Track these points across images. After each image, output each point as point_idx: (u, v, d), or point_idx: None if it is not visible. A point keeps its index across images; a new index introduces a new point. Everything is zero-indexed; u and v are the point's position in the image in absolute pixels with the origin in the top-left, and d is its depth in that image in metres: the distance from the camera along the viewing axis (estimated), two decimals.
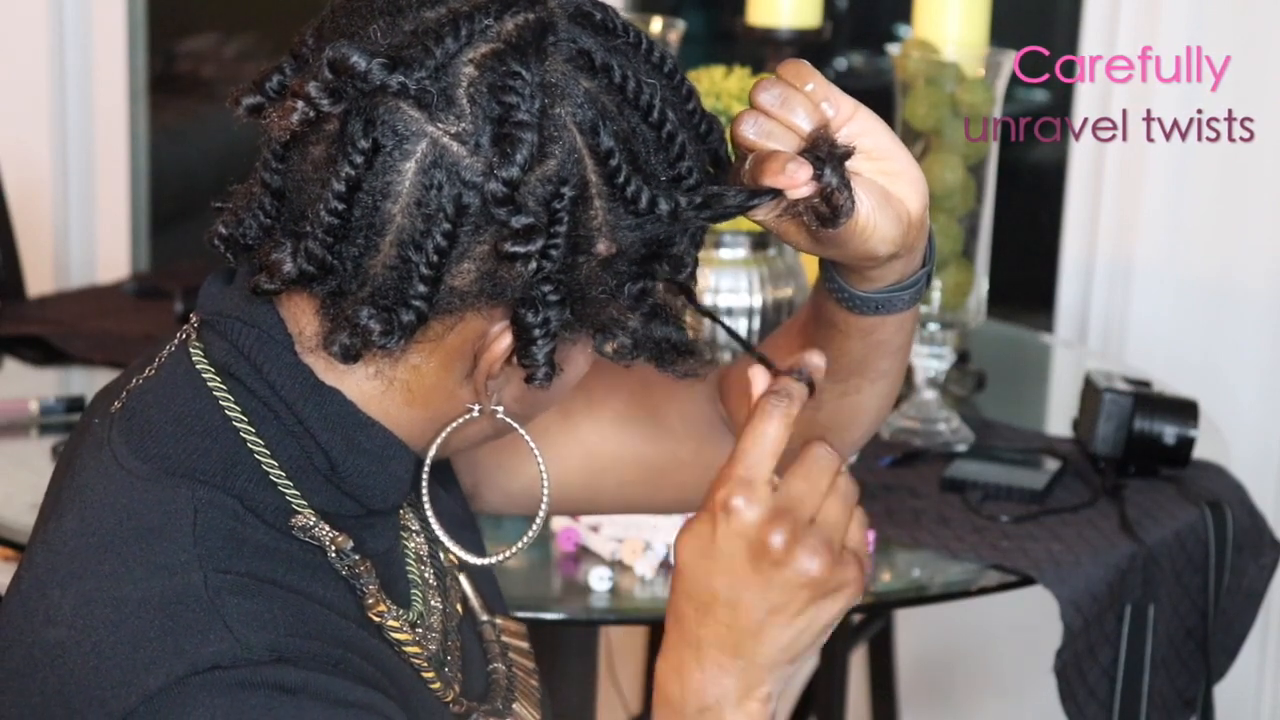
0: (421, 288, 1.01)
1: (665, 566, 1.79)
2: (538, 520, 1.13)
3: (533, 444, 1.13)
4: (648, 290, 1.06)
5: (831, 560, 1.03)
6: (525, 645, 1.25)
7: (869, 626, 2.70)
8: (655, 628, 2.85)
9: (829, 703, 2.55)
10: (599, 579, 1.76)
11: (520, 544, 1.13)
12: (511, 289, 1.03)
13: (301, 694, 0.98)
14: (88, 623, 1.00)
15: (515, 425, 1.10)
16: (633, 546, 1.78)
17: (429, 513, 1.12)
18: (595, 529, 1.81)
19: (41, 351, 2.38)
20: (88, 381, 2.29)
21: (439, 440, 1.10)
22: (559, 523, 1.81)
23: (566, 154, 1.01)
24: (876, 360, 1.22)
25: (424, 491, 1.12)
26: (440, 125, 1.00)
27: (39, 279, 3.06)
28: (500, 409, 1.09)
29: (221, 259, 1.08)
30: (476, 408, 1.08)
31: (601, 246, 1.03)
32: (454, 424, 1.09)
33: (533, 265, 1.01)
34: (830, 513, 1.04)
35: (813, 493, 1.03)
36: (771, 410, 1.04)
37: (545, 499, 1.15)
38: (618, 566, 1.78)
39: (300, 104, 1.00)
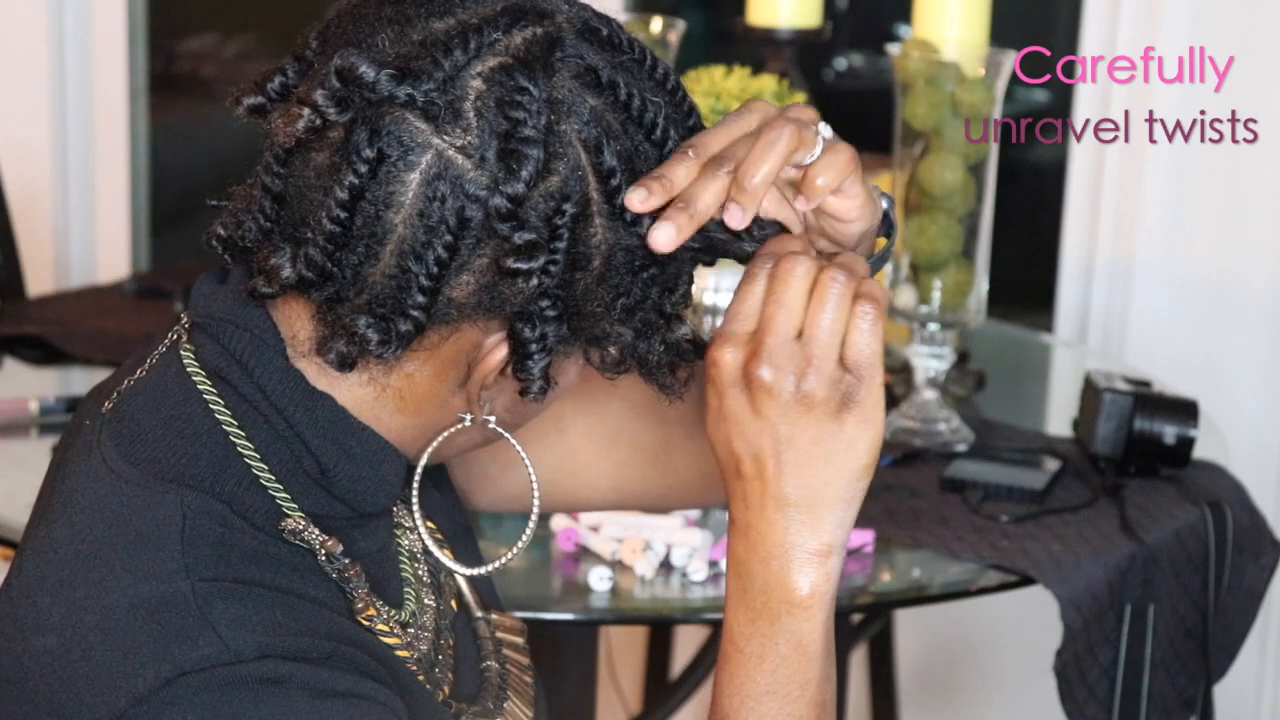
0: (420, 298, 1.01)
1: (665, 566, 1.79)
2: (529, 528, 1.14)
3: (524, 455, 1.13)
4: (641, 305, 1.06)
5: (820, 372, 1.02)
6: (520, 641, 1.25)
7: (869, 626, 2.71)
8: (655, 628, 2.85)
9: None
10: (599, 579, 1.76)
11: (512, 552, 1.14)
12: (510, 303, 1.03)
13: (288, 684, 0.98)
14: (77, 630, 1.00)
15: (507, 435, 1.11)
16: (633, 546, 1.78)
17: (419, 523, 1.12)
18: (595, 529, 1.81)
19: (41, 351, 2.38)
20: (88, 381, 2.28)
21: (430, 448, 1.10)
22: (559, 522, 1.82)
23: (570, 171, 1.01)
24: None
25: (414, 501, 1.12)
26: (446, 138, 1.00)
27: (39, 279, 3.06)
28: (492, 419, 1.09)
29: (219, 259, 1.08)
30: (469, 417, 1.09)
31: (598, 264, 1.03)
32: (446, 433, 1.09)
33: (533, 281, 1.01)
34: (818, 325, 1.02)
35: (788, 311, 1.03)
36: (756, 271, 1.04)
37: (535, 505, 1.15)
38: (618, 566, 1.78)
39: (306, 112, 1.00)
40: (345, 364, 1.04)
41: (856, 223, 1.10)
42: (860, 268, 1.04)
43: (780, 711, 1.05)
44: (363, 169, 1.00)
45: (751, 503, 1.04)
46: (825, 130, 1.08)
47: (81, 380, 2.34)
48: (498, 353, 1.05)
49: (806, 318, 1.03)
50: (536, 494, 1.15)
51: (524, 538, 1.14)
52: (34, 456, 2.03)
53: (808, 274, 1.03)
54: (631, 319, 1.06)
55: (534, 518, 1.14)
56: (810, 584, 1.05)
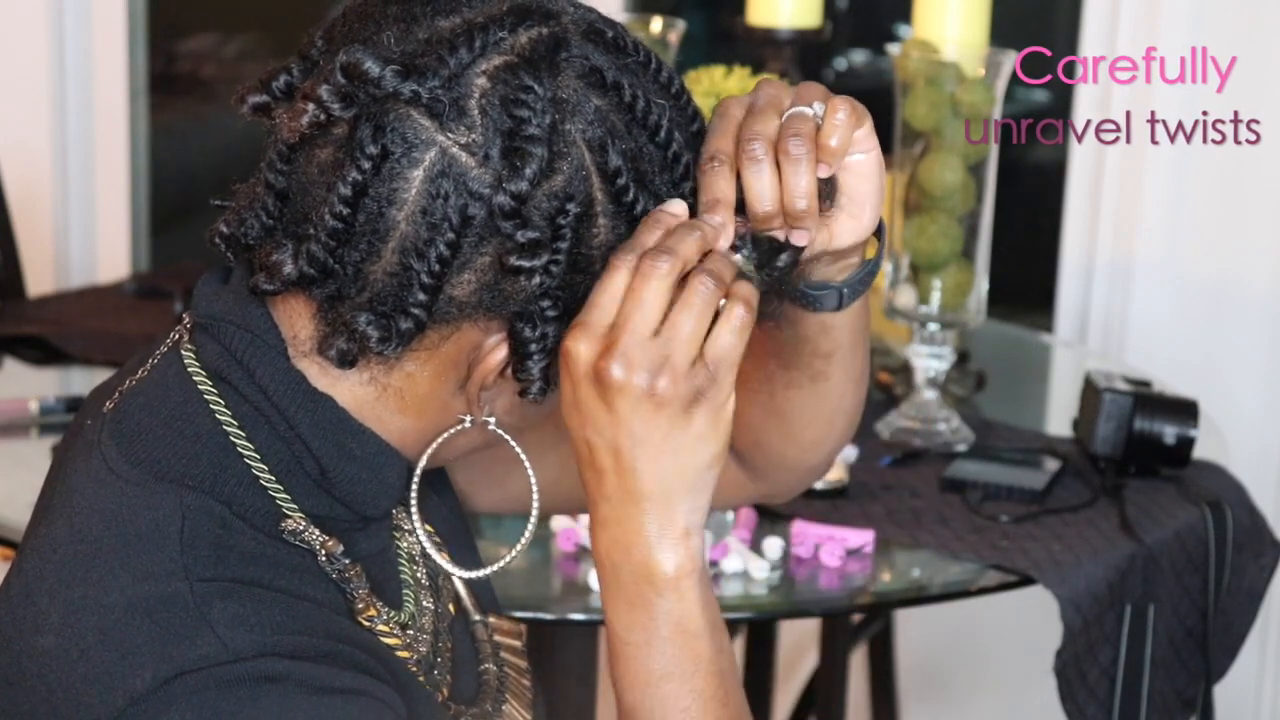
0: (421, 296, 1.01)
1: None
2: (528, 530, 1.14)
3: (524, 457, 1.13)
4: None
5: (674, 371, 1.02)
6: (518, 644, 1.25)
7: (869, 626, 2.70)
8: None
9: (829, 703, 2.55)
10: (599, 579, 1.75)
11: (510, 555, 1.13)
12: (511, 302, 1.03)
13: (286, 681, 0.98)
14: (75, 630, 1.00)
15: (506, 437, 1.11)
16: None
17: (418, 526, 1.12)
18: None
19: (41, 351, 2.38)
20: (88, 381, 2.29)
21: (430, 450, 1.10)
22: (559, 523, 1.81)
23: (574, 170, 1.02)
24: (809, 358, 1.21)
25: (413, 504, 1.11)
26: (450, 135, 1.00)
27: (39, 279, 3.06)
28: (492, 420, 1.09)
29: (221, 258, 1.08)
30: (468, 418, 1.08)
31: (600, 265, 1.04)
32: (446, 434, 1.09)
33: (535, 280, 1.01)
34: (678, 324, 1.02)
35: (646, 309, 1.02)
36: (618, 264, 1.03)
37: (535, 509, 1.14)
38: None
39: (311, 107, 1.01)
40: (345, 361, 1.04)
41: (875, 177, 1.11)
42: (728, 272, 1.05)
43: (680, 690, 1.06)
44: (366, 165, 1.00)
45: (609, 494, 1.05)
46: (818, 107, 1.08)
47: (81, 380, 2.34)
48: (498, 353, 1.05)
49: (668, 317, 1.02)
50: (536, 497, 1.14)
51: (523, 540, 1.13)
52: (34, 456, 2.03)
53: (670, 273, 1.02)
54: None
55: (533, 520, 1.14)
56: (675, 564, 1.05)
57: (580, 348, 1.02)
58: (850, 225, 1.11)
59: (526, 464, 1.14)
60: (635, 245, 1.04)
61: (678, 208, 1.05)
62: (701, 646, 1.06)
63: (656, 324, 1.02)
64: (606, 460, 1.04)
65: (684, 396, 1.02)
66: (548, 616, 1.76)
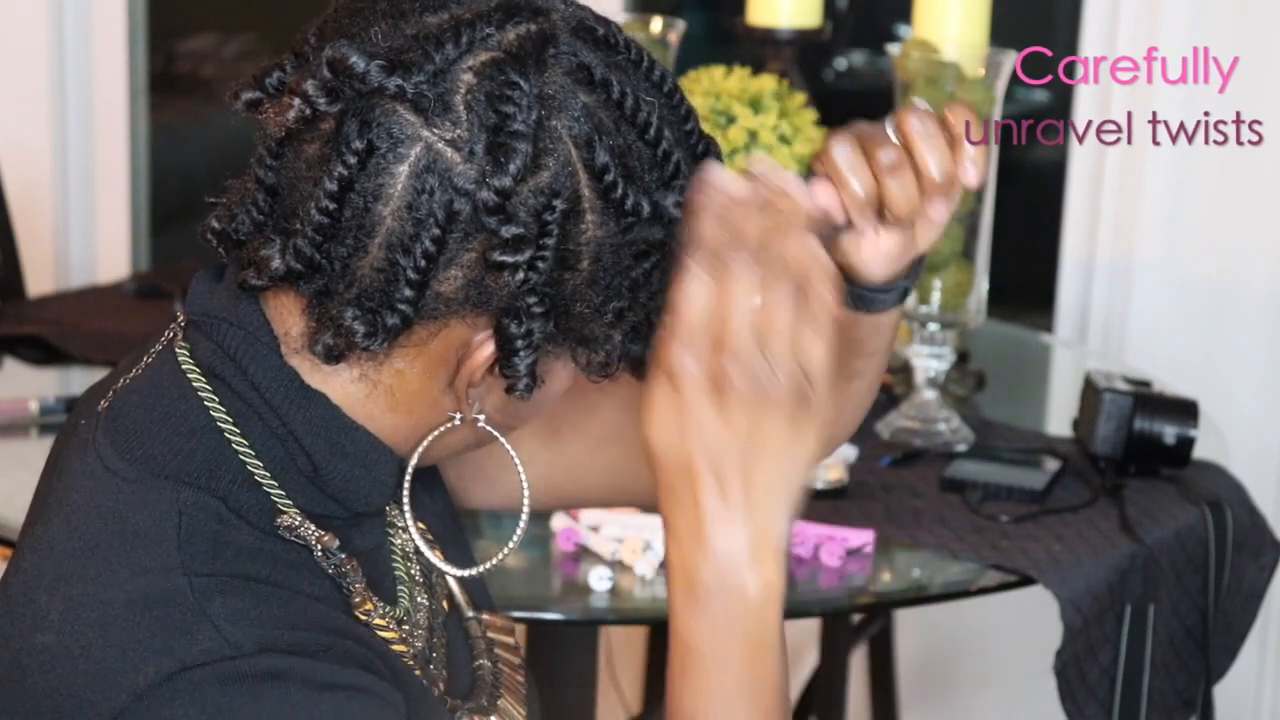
0: (407, 291, 1.01)
1: (665, 566, 1.79)
2: (519, 530, 1.14)
3: (514, 454, 1.13)
4: (631, 309, 1.06)
5: (783, 373, 1.00)
6: (511, 641, 1.26)
7: (869, 626, 2.71)
8: (655, 628, 2.85)
9: (829, 703, 2.55)
10: (599, 579, 1.76)
11: (501, 554, 1.14)
12: (497, 298, 1.03)
13: (287, 678, 0.98)
14: (75, 626, 1.00)
15: (496, 435, 1.10)
16: (633, 546, 1.78)
17: (410, 523, 1.12)
18: (595, 529, 1.81)
19: (41, 351, 2.38)
20: (87, 381, 2.27)
21: (421, 448, 1.10)
22: (559, 522, 1.82)
23: (560, 166, 1.01)
24: (851, 359, 1.22)
25: (405, 501, 1.12)
26: (436, 130, 1.00)
27: (39, 279, 3.06)
28: (481, 418, 1.09)
29: (215, 254, 1.08)
30: (458, 416, 1.09)
31: (588, 263, 1.03)
32: (436, 431, 1.09)
33: (520, 276, 1.01)
34: (774, 323, 1.00)
35: (744, 313, 1.00)
36: (692, 266, 1.02)
37: (525, 506, 1.14)
38: (618, 566, 1.78)
39: (297, 101, 1.01)
40: (332, 356, 1.04)
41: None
42: (805, 257, 1.03)
43: (749, 708, 1.03)
44: (352, 160, 1.00)
45: (707, 508, 1.02)
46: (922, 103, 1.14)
47: (81, 380, 2.34)
48: (484, 349, 1.05)
49: (761, 317, 1.01)
50: (527, 495, 1.14)
51: (514, 539, 1.14)
52: (34, 456, 2.01)
53: (752, 265, 1.01)
54: (620, 322, 1.06)
55: (524, 519, 1.14)
56: (767, 584, 1.02)
57: (687, 360, 1.01)
58: (925, 230, 1.17)
59: (517, 462, 1.14)
60: (701, 240, 1.02)
61: (717, 177, 1.05)
62: (773, 666, 1.04)
63: (754, 323, 1.01)
64: (711, 473, 1.01)
65: (791, 399, 1.01)
66: (548, 616, 1.76)
